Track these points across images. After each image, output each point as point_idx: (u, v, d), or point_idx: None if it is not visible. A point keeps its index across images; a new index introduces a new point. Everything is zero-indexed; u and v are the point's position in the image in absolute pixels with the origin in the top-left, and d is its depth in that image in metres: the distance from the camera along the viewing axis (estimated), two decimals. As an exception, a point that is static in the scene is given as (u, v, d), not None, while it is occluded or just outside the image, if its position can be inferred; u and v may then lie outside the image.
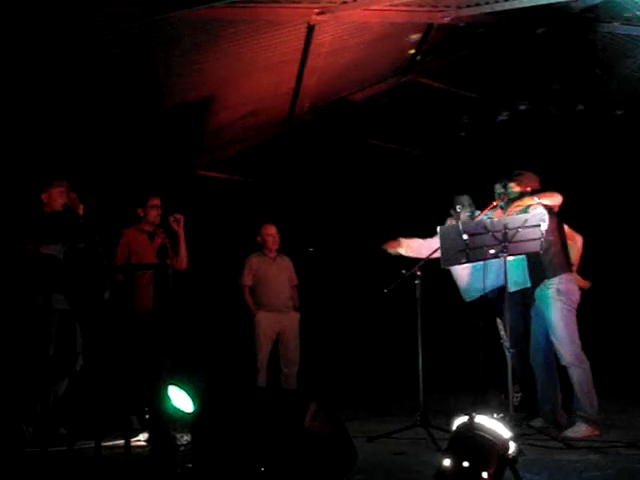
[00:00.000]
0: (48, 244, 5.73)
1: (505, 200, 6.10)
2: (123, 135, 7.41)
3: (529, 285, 6.04)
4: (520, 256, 5.92)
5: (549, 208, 5.73)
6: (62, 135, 6.97)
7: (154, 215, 6.70)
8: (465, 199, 6.79)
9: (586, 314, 5.83)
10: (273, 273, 7.57)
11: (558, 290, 5.65)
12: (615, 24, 7.39)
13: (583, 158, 8.92)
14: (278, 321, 7.48)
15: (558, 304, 5.63)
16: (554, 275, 5.70)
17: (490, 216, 6.19)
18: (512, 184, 5.93)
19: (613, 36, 7.60)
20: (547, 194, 5.78)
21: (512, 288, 6.32)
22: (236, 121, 8.19)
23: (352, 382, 9.15)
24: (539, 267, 5.75)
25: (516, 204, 5.79)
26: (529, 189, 5.86)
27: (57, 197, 5.96)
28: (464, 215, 6.58)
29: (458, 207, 6.47)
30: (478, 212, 6.55)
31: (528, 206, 5.71)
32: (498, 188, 6.28)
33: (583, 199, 5.94)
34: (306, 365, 7.93)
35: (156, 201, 6.74)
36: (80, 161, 7.26)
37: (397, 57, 8.00)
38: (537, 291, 5.81)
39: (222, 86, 7.24)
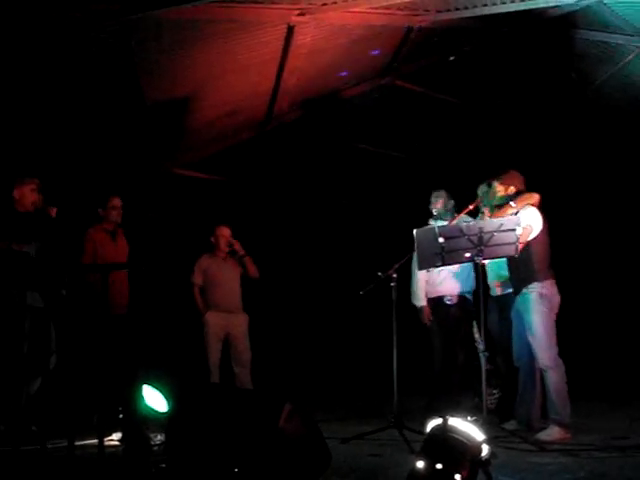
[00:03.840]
0: (20, 244, 5.71)
1: (484, 202, 6.14)
2: (101, 132, 7.36)
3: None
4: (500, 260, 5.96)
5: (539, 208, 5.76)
6: (38, 132, 6.92)
7: (115, 215, 6.76)
8: (441, 194, 6.83)
9: (561, 316, 5.85)
10: (223, 274, 7.60)
11: (541, 294, 5.66)
12: (592, 31, 7.48)
13: (565, 160, 8.99)
14: (227, 321, 7.52)
15: (540, 308, 5.64)
16: (541, 279, 5.69)
17: (466, 220, 6.22)
18: (496, 183, 5.92)
19: (590, 43, 7.69)
20: (523, 197, 5.80)
21: (494, 292, 6.38)
22: (215, 120, 8.17)
23: (327, 384, 9.16)
24: (525, 270, 5.70)
25: (500, 212, 5.81)
26: (513, 188, 5.86)
27: (29, 194, 5.96)
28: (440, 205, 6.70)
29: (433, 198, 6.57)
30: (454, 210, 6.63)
31: (515, 213, 5.71)
32: (482, 189, 6.30)
33: (562, 200, 5.96)
34: (281, 366, 7.91)
35: (116, 201, 6.78)
36: (56, 158, 7.22)
37: (376, 60, 8.01)
38: (518, 296, 5.78)
39: (201, 85, 7.22)
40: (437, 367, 6.73)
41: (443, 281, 6.72)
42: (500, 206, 5.85)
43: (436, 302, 6.79)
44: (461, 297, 6.73)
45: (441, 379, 6.67)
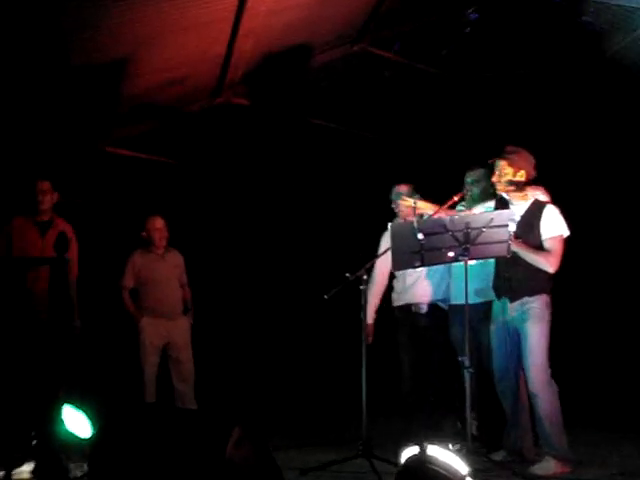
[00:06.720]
0: None
1: (472, 194, 6.12)
2: (13, 98, 7.21)
3: (492, 298, 6.04)
4: (484, 261, 5.92)
5: None
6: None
7: (44, 201, 6.57)
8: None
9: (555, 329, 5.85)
10: (161, 273, 7.56)
11: (547, 304, 5.68)
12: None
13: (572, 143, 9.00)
14: (166, 329, 7.47)
15: (545, 320, 5.65)
16: (548, 290, 5.71)
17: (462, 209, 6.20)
18: (503, 163, 5.75)
19: (605, 7, 7.69)
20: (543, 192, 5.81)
21: (473, 299, 6.35)
22: (156, 88, 8.07)
23: (283, 404, 9.11)
24: (536, 277, 5.68)
25: (522, 193, 5.76)
26: (523, 173, 5.76)
27: None
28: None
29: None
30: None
31: (543, 203, 5.71)
32: (472, 175, 6.25)
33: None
34: (230, 384, 7.85)
35: (45, 185, 6.61)
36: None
37: (347, 22, 7.96)
38: (516, 304, 5.74)
39: (141, 46, 7.10)
40: (406, 385, 6.73)
41: (412, 286, 6.69)
42: (515, 186, 5.74)
43: (404, 311, 6.77)
44: (432, 305, 6.71)
45: (412, 399, 6.67)
